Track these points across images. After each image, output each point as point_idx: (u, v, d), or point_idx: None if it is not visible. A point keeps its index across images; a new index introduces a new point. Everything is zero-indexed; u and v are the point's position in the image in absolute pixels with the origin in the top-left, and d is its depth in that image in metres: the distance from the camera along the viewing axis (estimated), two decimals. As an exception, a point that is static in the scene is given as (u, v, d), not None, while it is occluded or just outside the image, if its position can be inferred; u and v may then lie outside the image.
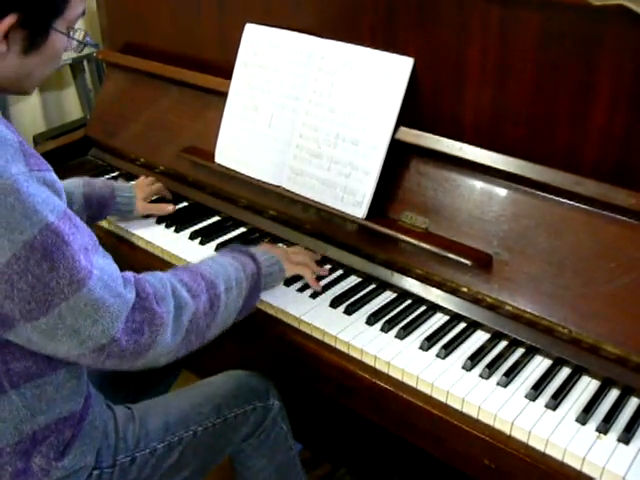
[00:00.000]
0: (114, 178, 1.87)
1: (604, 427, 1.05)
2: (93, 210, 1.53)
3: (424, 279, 1.36)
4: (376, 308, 1.33)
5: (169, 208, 1.65)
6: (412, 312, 1.33)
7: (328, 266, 1.46)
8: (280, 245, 1.50)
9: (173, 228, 1.62)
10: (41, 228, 0.92)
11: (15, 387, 1.04)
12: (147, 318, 1.02)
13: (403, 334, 1.25)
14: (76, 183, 1.53)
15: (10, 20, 0.95)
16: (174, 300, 1.08)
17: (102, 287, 0.97)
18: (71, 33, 1.07)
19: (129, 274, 1.06)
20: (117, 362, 1.02)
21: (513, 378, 1.16)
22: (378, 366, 1.21)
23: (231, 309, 1.20)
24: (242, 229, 1.63)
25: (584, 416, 1.07)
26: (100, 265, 1.00)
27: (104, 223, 1.66)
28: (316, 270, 1.42)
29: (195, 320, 1.11)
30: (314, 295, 1.36)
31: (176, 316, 1.07)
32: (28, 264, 0.91)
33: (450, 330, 1.28)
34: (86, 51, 2.76)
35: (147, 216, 1.66)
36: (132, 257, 1.58)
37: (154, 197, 1.71)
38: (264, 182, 1.58)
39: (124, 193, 1.60)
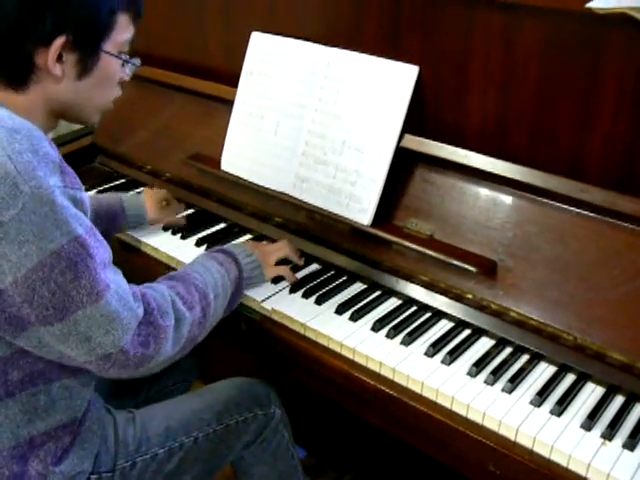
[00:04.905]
0: (121, 185, 1.89)
1: (609, 433, 1.05)
2: (102, 226, 1.52)
3: (429, 286, 1.36)
4: (381, 315, 1.33)
5: (181, 220, 1.67)
6: (417, 319, 1.33)
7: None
8: (263, 243, 1.52)
9: (180, 235, 1.62)
10: (70, 239, 0.95)
11: (11, 396, 1.06)
12: (153, 332, 1.07)
13: (408, 340, 1.26)
14: None
15: (61, 41, 1.01)
16: (174, 314, 1.12)
17: (117, 300, 1.01)
18: (123, 57, 1.12)
19: (135, 289, 1.09)
20: (120, 371, 1.06)
21: (518, 384, 1.16)
22: (383, 372, 1.21)
23: (218, 313, 1.27)
24: (248, 236, 1.63)
25: (589, 422, 1.07)
26: (114, 279, 1.03)
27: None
28: (295, 260, 1.48)
29: (192, 330, 1.16)
30: (319, 301, 1.37)
31: (176, 328, 1.12)
32: (52, 272, 0.94)
33: (455, 336, 1.28)
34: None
35: None
36: (138, 263, 1.59)
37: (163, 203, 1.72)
38: (270, 189, 1.59)
39: (134, 206, 1.61)
